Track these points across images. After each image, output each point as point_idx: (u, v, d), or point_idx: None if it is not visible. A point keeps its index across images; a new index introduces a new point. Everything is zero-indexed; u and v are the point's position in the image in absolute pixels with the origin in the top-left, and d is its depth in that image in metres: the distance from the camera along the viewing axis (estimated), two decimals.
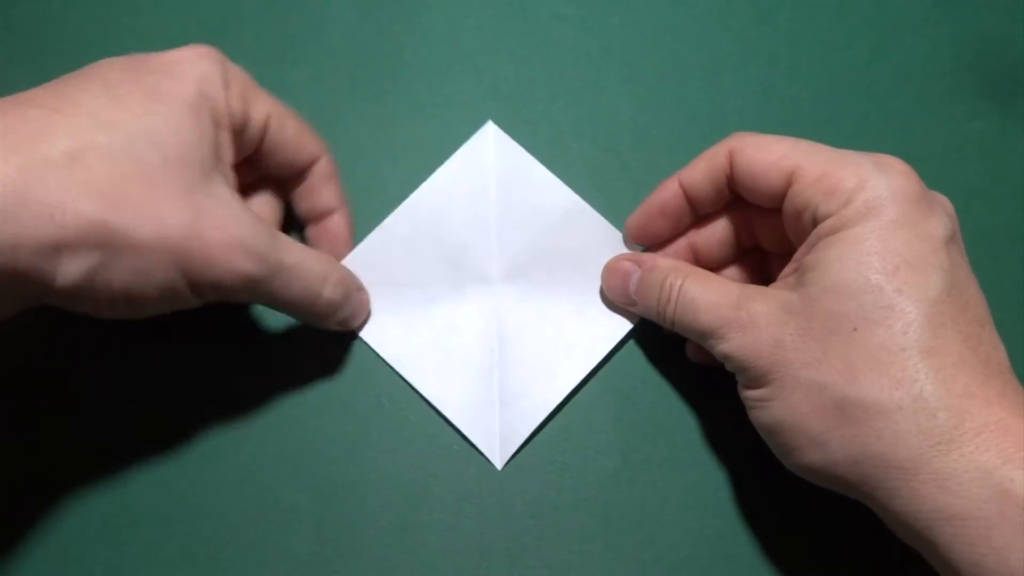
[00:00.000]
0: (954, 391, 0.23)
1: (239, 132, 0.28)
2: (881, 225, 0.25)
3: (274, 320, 0.33)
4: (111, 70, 0.26)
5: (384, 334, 0.33)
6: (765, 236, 0.31)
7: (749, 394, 0.27)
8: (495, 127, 0.35)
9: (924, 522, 0.23)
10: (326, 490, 0.31)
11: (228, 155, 0.28)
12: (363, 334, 0.33)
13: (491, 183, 0.34)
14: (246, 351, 0.33)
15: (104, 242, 0.23)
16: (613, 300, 0.32)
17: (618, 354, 0.33)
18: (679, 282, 0.28)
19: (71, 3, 0.38)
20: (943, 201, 0.27)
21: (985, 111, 0.37)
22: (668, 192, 0.31)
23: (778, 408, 0.26)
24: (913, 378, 0.23)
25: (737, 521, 0.31)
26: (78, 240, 0.23)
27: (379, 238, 0.33)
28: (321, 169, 0.32)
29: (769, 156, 0.28)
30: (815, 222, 0.26)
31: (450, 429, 0.32)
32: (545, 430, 0.33)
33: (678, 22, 0.39)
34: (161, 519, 0.31)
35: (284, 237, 0.28)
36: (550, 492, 0.32)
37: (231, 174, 0.28)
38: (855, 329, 0.24)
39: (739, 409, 0.32)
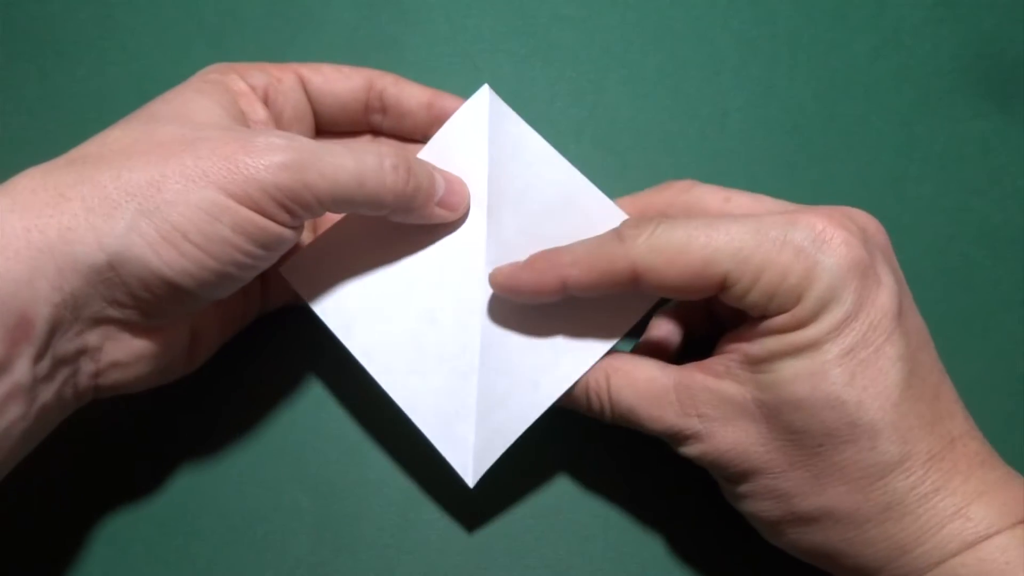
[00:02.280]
0: (921, 492, 0.23)
1: (270, 93, 0.29)
2: (836, 323, 0.23)
3: (273, 320, 0.33)
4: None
5: (352, 321, 0.29)
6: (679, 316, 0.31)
7: (722, 485, 0.27)
8: (491, 91, 0.30)
9: None
10: (326, 490, 0.31)
11: (259, 114, 0.28)
12: (327, 320, 0.29)
13: (484, 156, 0.29)
14: (245, 351, 0.33)
15: (129, 192, 0.23)
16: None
17: None
18: (604, 385, 0.27)
19: (71, 3, 0.38)
20: (874, 233, 0.26)
21: (985, 111, 0.37)
22: (548, 286, 0.27)
23: (751, 505, 0.26)
24: (883, 491, 0.23)
25: (738, 521, 0.31)
26: (100, 200, 0.23)
27: (355, 216, 0.30)
28: (384, 81, 0.31)
29: (688, 267, 0.24)
30: (763, 316, 0.24)
31: None
32: (545, 430, 0.32)
33: (678, 22, 0.39)
34: (161, 519, 0.31)
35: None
36: (550, 492, 0.32)
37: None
38: (820, 445, 0.24)
39: None
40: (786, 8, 0.39)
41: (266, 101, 0.29)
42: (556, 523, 0.31)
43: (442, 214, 0.29)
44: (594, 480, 0.32)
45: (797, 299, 0.24)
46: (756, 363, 0.25)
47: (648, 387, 0.27)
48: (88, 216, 0.23)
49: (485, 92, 0.30)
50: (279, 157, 0.24)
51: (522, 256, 0.28)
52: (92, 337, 0.25)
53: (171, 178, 0.24)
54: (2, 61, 0.37)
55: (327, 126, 0.32)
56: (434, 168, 0.29)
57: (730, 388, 0.25)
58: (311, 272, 0.30)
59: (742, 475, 0.26)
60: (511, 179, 0.30)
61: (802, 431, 0.24)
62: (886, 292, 0.24)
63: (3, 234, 0.22)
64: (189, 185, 0.24)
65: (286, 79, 0.29)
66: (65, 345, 0.24)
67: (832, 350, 0.23)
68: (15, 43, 0.37)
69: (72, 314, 0.24)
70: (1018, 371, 0.34)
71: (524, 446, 0.32)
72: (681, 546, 0.31)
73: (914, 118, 0.37)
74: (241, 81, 0.28)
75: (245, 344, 0.33)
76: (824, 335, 0.23)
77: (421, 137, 0.32)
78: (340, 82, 0.30)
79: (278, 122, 0.29)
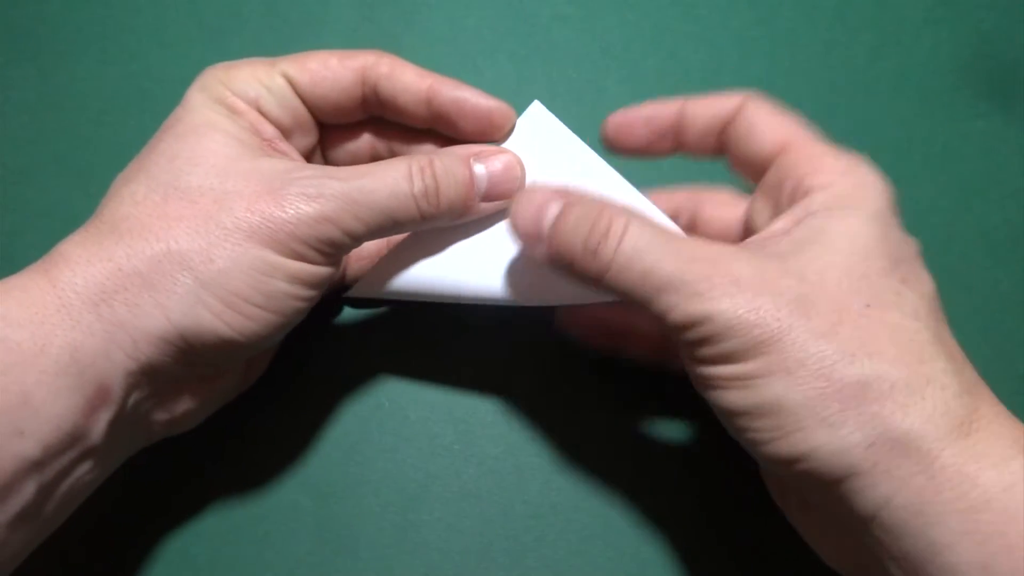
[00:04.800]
0: (968, 377, 0.22)
1: (263, 105, 0.28)
2: (877, 214, 0.24)
3: None
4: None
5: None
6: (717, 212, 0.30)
7: (726, 370, 0.23)
8: (542, 107, 0.29)
9: (932, 516, 0.20)
10: (326, 490, 0.31)
11: (268, 131, 0.27)
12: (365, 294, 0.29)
13: (534, 173, 0.29)
14: None
15: (183, 265, 0.24)
16: (517, 231, 0.26)
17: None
18: (622, 221, 0.23)
19: (71, 3, 0.38)
20: None
21: (985, 111, 0.37)
22: (666, 109, 0.29)
23: (778, 385, 0.22)
24: (933, 356, 0.22)
25: (738, 520, 0.31)
26: (158, 277, 0.24)
27: (405, 247, 0.29)
28: (377, 73, 0.28)
29: (772, 121, 0.27)
30: (796, 195, 0.25)
31: (450, 429, 0.32)
32: (545, 430, 0.32)
33: (678, 22, 0.39)
34: (161, 519, 0.31)
35: (342, 168, 0.26)
36: (550, 492, 0.32)
37: (285, 146, 0.28)
38: (868, 305, 0.22)
39: None
40: (786, 8, 0.39)
41: (263, 114, 0.28)
42: (556, 523, 0.31)
43: (490, 207, 0.28)
44: (594, 480, 0.32)
45: (837, 179, 0.25)
46: (802, 233, 0.24)
47: (674, 234, 0.24)
48: (151, 293, 0.23)
49: (537, 108, 0.29)
50: (313, 209, 0.24)
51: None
52: (165, 395, 0.26)
53: (217, 245, 0.24)
54: (2, 61, 0.37)
55: (328, 120, 0.30)
56: (475, 160, 0.27)
57: (769, 260, 0.24)
58: (372, 284, 0.30)
59: (773, 337, 0.22)
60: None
61: (852, 290, 0.23)
62: (908, 236, 0.25)
63: (73, 308, 0.23)
64: (237, 249, 0.24)
65: (275, 86, 0.28)
66: (140, 406, 0.25)
67: (878, 230, 0.24)
68: (15, 43, 0.37)
69: (147, 379, 0.24)
70: (1018, 371, 0.34)
71: (525, 445, 0.32)
72: (681, 546, 0.31)
73: (914, 118, 0.37)
74: (235, 97, 0.27)
75: None
76: (869, 217, 0.24)
77: (423, 127, 0.30)
78: (328, 82, 0.28)
79: (280, 132, 0.28)
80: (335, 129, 0.30)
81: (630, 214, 0.24)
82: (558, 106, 0.37)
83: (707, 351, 0.23)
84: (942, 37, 0.38)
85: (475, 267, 0.29)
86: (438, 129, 0.30)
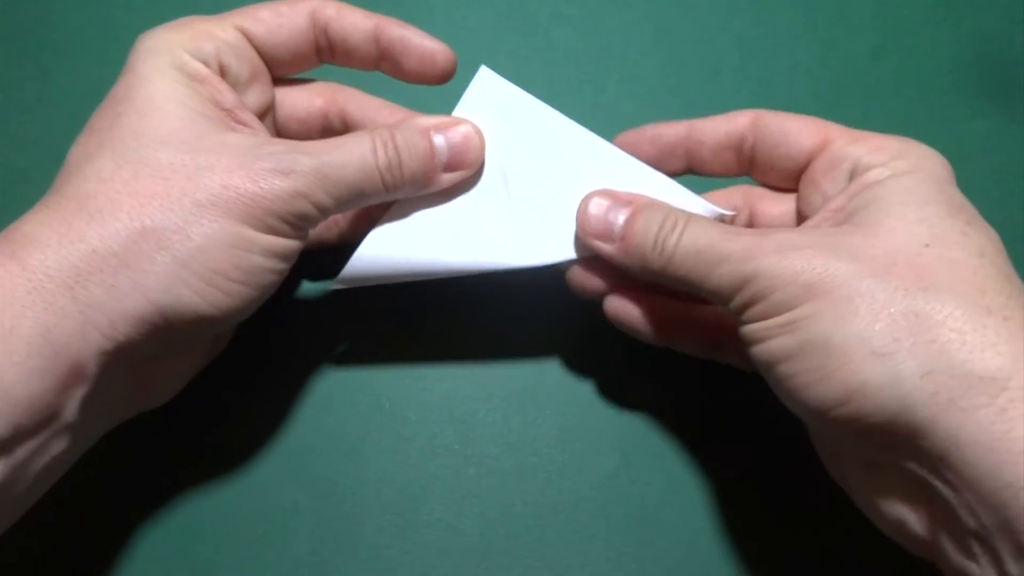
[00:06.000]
0: None
1: (223, 59, 0.27)
2: (935, 178, 0.24)
3: (272, 318, 0.33)
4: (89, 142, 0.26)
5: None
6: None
7: (776, 320, 0.23)
8: (489, 71, 0.29)
9: (1005, 454, 0.19)
10: (326, 490, 0.31)
11: (227, 99, 0.27)
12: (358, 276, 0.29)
13: (493, 137, 0.29)
14: (245, 350, 0.33)
15: (160, 245, 0.23)
16: (587, 230, 0.28)
17: (618, 353, 0.33)
18: (684, 217, 0.26)
19: (71, 3, 0.38)
20: None
21: (985, 111, 0.37)
22: (672, 128, 0.29)
23: (825, 321, 0.21)
24: (997, 290, 0.21)
25: (738, 520, 0.31)
26: (135, 256, 0.23)
27: (375, 242, 0.29)
28: (326, 14, 0.29)
29: (800, 120, 0.28)
30: (853, 174, 0.26)
31: (450, 429, 0.32)
32: (545, 430, 0.32)
33: (678, 22, 0.39)
34: (160, 519, 0.31)
35: (307, 142, 0.26)
36: (550, 492, 0.32)
37: (246, 115, 0.27)
38: (927, 245, 0.22)
39: (740, 406, 0.32)
40: (786, 8, 0.39)
41: (222, 71, 0.27)
42: (556, 523, 0.31)
43: (452, 178, 0.28)
44: (594, 480, 0.32)
45: (894, 156, 0.25)
46: (856, 205, 0.24)
47: (726, 226, 0.25)
48: (128, 274, 0.23)
49: (484, 74, 0.29)
50: (286, 184, 0.25)
51: (549, 220, 0.29)
52: (138, 370, 0.26)
53: (193, 223, 0.24)
54: (2, 61, 0.37)
55: (282, 73, 0.30)
56: (435, 132, 0.28)
57: (822, 228, 0.25)
58: (356, 272, 0.29)
59: (820, 281, 0.22)
60: (525, 152, 0.29)
61: (909, 234, 0.23)
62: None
63: (45, 291, 0.22)
64: (213, 226, 0.24)
65: (230, 38, 0.27)
66: (114, 383, 0.25)
67: (934, 188, 0.24)
68: (15, 43, 0.37)
69: (123, 357, 0.24)
70: None
71: (525, 445, 0.32)
72: (681, 546, 0.31)
73: (914, 118, 0.37)
74: (195, 60, 0.26)
75: (244, 344, 0.33)
76: (925, 179, 0.24)
77: (372, 69, 0.31)
78: (285, 29, 0.28)
79: (237, 86, 0.28)
80: (288, 95, 0.30)
81: (689, 213, 0.26)
82: (558, 106, 0.37)
83: (758, 308, 0.23)
84: (942, 37, 0.38)
85: (458, 238, 0.29)
86: (385, 71, 0.30)
